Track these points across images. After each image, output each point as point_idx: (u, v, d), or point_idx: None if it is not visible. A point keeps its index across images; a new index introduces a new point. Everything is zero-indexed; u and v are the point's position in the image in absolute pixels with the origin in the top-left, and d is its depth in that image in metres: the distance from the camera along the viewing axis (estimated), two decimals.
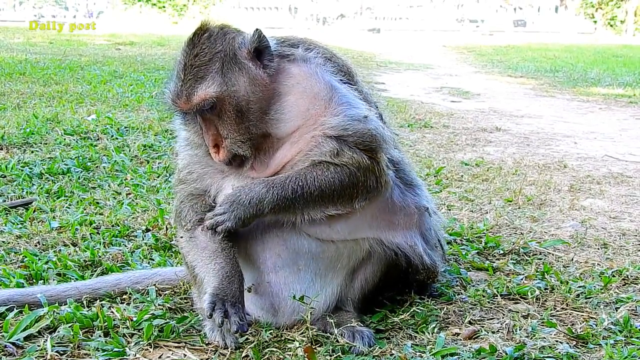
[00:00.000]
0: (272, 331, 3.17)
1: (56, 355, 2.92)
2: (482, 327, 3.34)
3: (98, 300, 3.44)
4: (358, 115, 3.07)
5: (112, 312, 3.30)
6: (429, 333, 3.22)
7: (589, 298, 3.70)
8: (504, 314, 3.50)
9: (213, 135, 3.06)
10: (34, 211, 4.81)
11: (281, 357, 2.97)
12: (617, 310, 3.53)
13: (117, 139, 7.21)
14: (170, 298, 3.52)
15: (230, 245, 3.11)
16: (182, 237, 3.26)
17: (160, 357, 2.99)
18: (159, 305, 3.41)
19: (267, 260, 3.19)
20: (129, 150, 6.73)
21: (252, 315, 3.27)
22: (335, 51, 3.42)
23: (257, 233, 3.15)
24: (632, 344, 3.16)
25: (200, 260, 3.13)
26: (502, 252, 4.45)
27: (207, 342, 3.10)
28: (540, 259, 4.36)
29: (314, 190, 3.02)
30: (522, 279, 3.96)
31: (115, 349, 2.96)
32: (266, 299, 3.22)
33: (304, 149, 3.05)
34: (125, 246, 4.27)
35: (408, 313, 3.40)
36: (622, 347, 3.10)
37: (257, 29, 3.10)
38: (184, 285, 3.64)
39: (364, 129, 3.05)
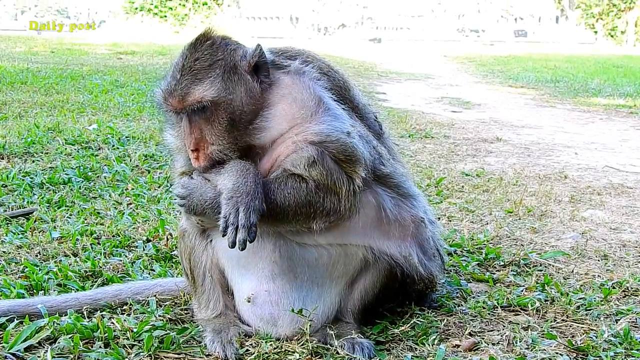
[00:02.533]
0: (272, 342, 3.17)
1: None
2: (482, 338, 3.34)
3: (98, 311, 3.44)
4: (342, 128, 3.10)
5: (112, 323, 3.30)
6: (429, 345, 3.22)
7: (589, 310, 3.70)
8: (504, 326, 3.50)
9: (196, 139, 3.08)
10: (35, 221, 4.82)
11: None
12: (617, 322, 3.53)
13: (118, 148, 7.22)
14: (171, 309, 3.53)
15: None
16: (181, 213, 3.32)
17: None
18: (159, 316, 3.41)
19: (264, 268, 3.21)
20: (130, 160, 6.74)
21: (252, 326, 3.28)
22: (333, 65, 3.45)
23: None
24: (633, 356, 3.16)
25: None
26: (502, 263, 4.45)
27: (207, 354, 3.10)
28: (541, 270, 4.36)
29: (277, 204, 3.04)
30: (522, 291, 3.96)
31: None
32: (265, 308, 3.23)
33: (283, 153, 3.07)
34: (126, 257, 4.28)
35: (408, 324, 3.39)
36: None
37: (258, 44, 3.15)
38: (184, 296, 3.64)
39: (345, 140, 3.08)
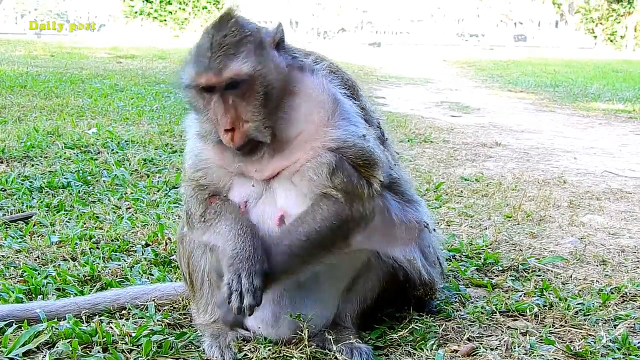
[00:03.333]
0: (270, 347, 3.16)
1: None
2: (481, 344, 3.34)
3: (97, 316, 3.44)
4: (358, 132, 3.10)
5: (111, 327, 3.30)
6: (427, 350, 3.22)
7: (588, 315, 3.70)
8: (502, 331, 3.50)
9: (231, 118, 2.99)
10: (34, 225, 4.82)
11: None
12: (615, 328, 3.53)
13: (117, 152, 7.22)
14: (169, 313, 3.53)
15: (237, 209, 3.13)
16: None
17: None
18: (157, 320, 3.41)
19: None
20: (129, 164, 6.74)
21: (252, 329, 3.27)
22: (340, 66, 3.45)
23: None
24: None
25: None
26: (501, 268, 4.45)
27: (205, 358, 3.10)
28: (539, 275, 4.36)
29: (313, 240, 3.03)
30: (520, 296, 3.96)
31: None
32: (267, 307, 3.20)
33: (302, 158, 3.05)
34: (125, 261, 4.27)
35: (407, 330, 3.39)
36: None
37: (279, 23, 3.15)
38: (182, 300, 3.64)
39: (362, 145, 3.08)
